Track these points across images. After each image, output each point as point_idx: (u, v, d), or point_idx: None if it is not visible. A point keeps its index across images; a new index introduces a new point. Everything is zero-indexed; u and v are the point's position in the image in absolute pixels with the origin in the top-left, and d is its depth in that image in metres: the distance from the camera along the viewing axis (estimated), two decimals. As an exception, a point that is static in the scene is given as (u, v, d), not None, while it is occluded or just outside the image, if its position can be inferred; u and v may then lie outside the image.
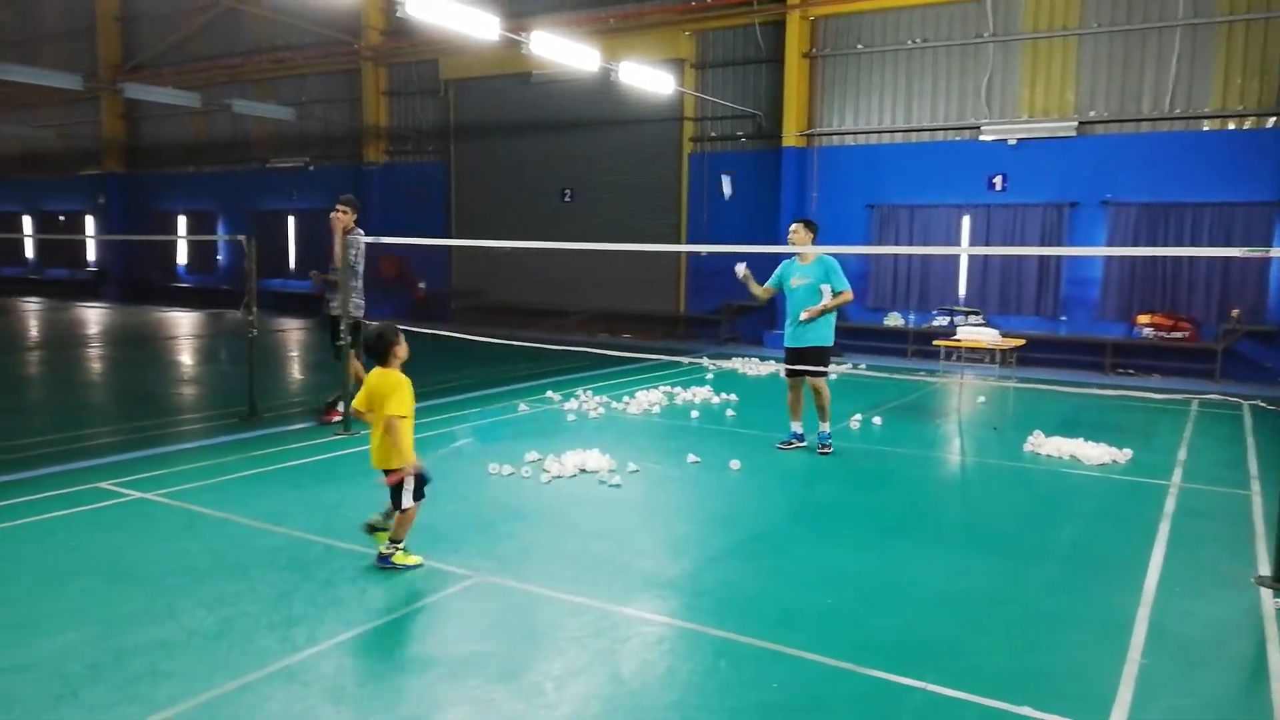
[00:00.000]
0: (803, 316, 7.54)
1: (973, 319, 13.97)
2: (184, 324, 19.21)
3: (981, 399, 11.00)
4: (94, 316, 20.78)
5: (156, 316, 20.76)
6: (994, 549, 5.35)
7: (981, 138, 14.70)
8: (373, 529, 4.81)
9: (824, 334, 7.66)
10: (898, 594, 4.59)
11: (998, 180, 14.68)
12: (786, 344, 7.78)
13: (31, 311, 22.17)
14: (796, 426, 7.92)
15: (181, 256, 25.74)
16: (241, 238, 8.91)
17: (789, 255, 7.81)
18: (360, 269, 8.41)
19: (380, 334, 4.82)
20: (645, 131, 18.10)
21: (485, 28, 11.22)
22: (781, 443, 7.93)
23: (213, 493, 6.11)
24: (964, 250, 15.59)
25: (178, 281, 25.51)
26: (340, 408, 8.30)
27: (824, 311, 7.53)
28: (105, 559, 4.82)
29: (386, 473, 4.68)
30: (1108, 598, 4.58)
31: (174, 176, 25.55)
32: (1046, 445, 7.96)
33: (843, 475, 7.17)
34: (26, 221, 29.08)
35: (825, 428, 7.75)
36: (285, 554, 4.95)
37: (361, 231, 8.44)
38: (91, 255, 27.69)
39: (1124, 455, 7.65)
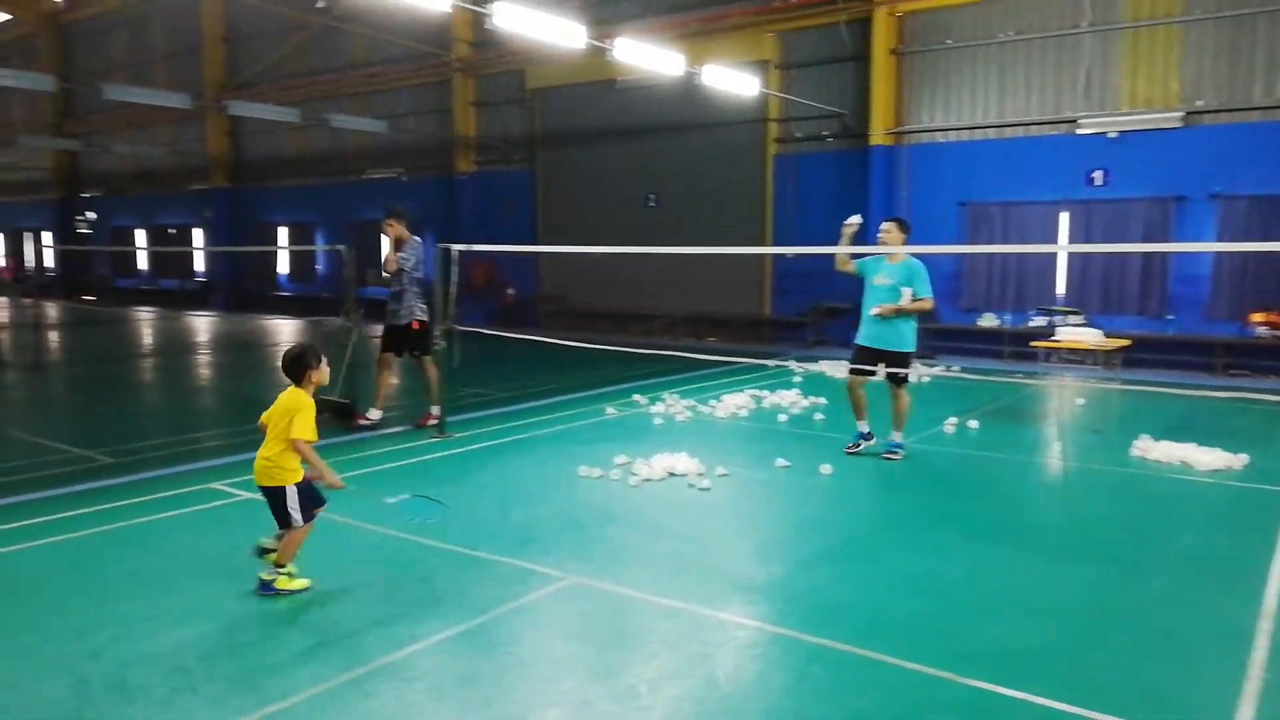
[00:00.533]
0: (874, 311, 7.34)
1: (1073, 319, 13.48)
2: (286, 331, 19.96)
3: (1081, 401, 10.61)
4: (202, 324, 21.78)
5: (260, 324, 21.63)
6: (1101, 558, 5.15)
7: (1079, 131, 14.19)
8: (264, 551, 4.56)
9: (907, 338, 7.42)
10: (998, 602, 4.46)
11: (1097, 175, 14.15)
12: (862, 341, 7.50)
13: (145, 320, 23.36)
14: (863, 426, 7.70)
15: (283, 266, 26.77)
16: (340, 248, 9.23)
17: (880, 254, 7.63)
18: (419, 275, 8.72)
19: (300, 354, 4.64)
20: (729, 134, 18.05)
21: (571, 36, 11.37)
22: (849, 446, 7.71)
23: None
24: (1062, 248, 15.09)
25: (279, 290, 26.54)
26: (434, 411, 8.53)
27: (897, 312, 7.29)
28: (218, 557, 5.04)
29: (267, 490, 4.50)
30: (1225, 610, 4.37)
31: (275, 189, 26.60)
32: (1155, 450, 7.62)
33: (938, 480, 7.01)
34: (140, 235, 30.70)
35: (898, 436, 7.53)
36: (385, 552, 5.10)
37: (418, 240, 8.75)
38: (200, 266, 29.05)
39: (1239, 461, 7.27)
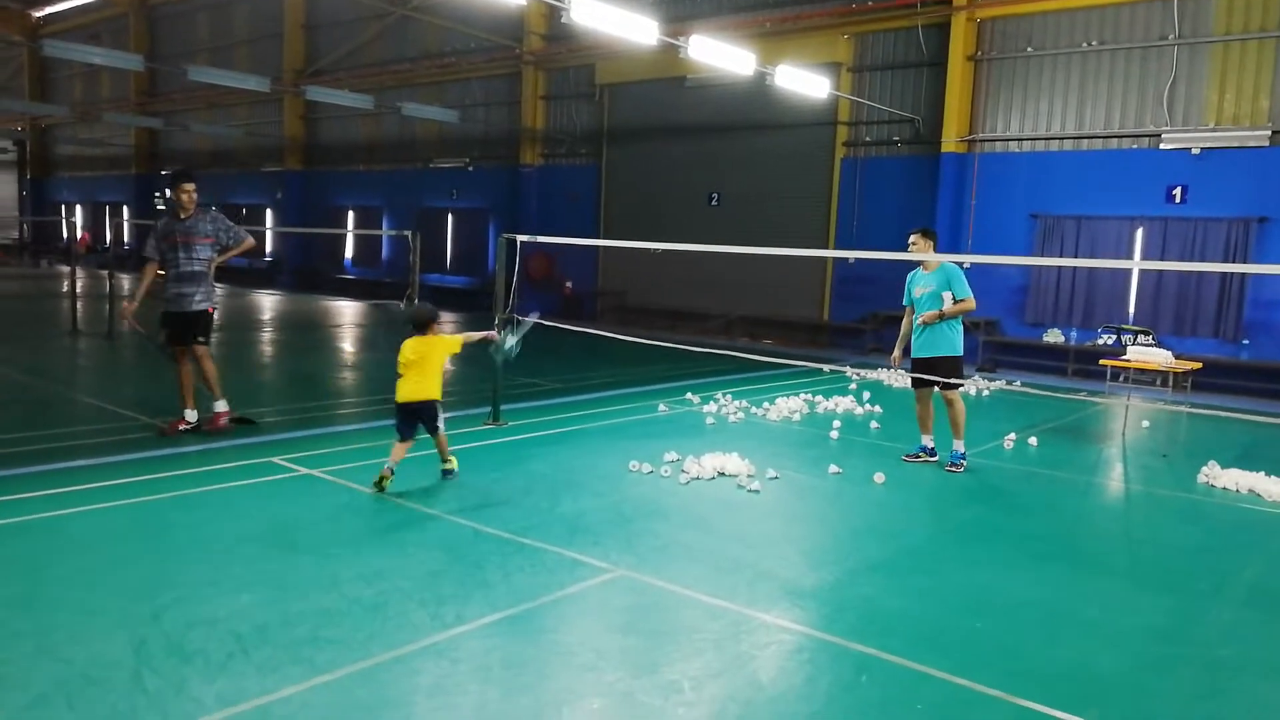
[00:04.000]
0: (919, 320, 7.38)
1: (1142, 339, 13.10)
2: (349, 313, 20.33)
3: (1146, 424, 10.30)
4: (269, 303, 22.30)
5: (325, 305, 22.08)
6: (1164, 584, 5.00)
7: (1161, 146, 13.77)
8: (382, 479, 5.92)
9: (953, 342, 7.43)
10: (1055, 623, 4.35)
11: (1177, 192, 13.71)
12: (915, 354, 7.58)
13: (216, 298, 23.96)
14: (927, 440, 7.68)
15: (349, 250, 27.28)
16: (407, 233, 9.36)
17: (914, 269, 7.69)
18: (215, 253, 7.74)
19: (427, 312, 6.32)
20: (797, 135, 17.90)
21: (645, 32, 11.37)
22: (908, 455, 7.71)
23: (372, 473, 6.42)
24: (1135, 264, 14.67)
25: (344, 273, 27.05)
26: (222, 408, 7.60)
27: (941, 317, 7.31)
28: (276, 528, 5.16)
29: (422, 405, 6.14)
30: (1293, 646, 4.21)
31: (344, 174, 27.11)
32: (1223, 478, 7.37)
33: (994, 495, 6.87)
34: (214, 213, 31.52)
35: (959, 445, 7.45)
36: (437, 534, 5.17)
37: (214, 209, 7.68)
38: (269, 246, 29.75)
39: (1314, 493, 6.99)
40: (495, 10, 20.26)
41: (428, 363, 6.15)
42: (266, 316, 19.32)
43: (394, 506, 5.67)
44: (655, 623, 4.14)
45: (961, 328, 7.53)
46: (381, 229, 25.86)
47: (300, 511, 5.51)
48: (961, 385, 7.56)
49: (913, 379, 7.68)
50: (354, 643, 3.73)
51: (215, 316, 8.01)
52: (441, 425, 6.28)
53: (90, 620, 3.86)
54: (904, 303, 7.75)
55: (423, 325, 6.23)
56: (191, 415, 7.54)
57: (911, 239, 7.57)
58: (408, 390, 6.14)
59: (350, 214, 27.09)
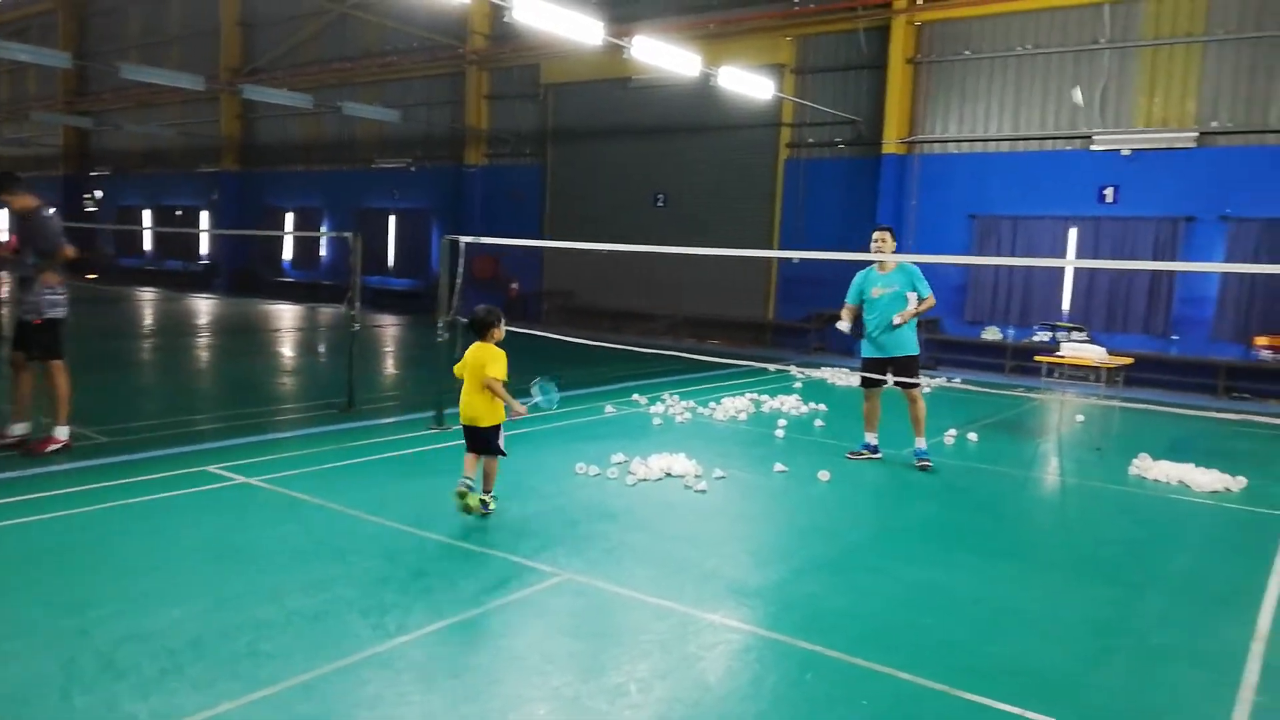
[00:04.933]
0: (896, 320, 7.38)
1: (1076, 335, 13.45)
2: (287, 317, 19.95)
3: (1081, 418, 10.58)
4: (204, 307, 21.78)
5: (262, 309, 21.63)
6: (1098, 576, 5.13)
7: (1093, 148, 14.17)
8: (463, 495, 5.43)
9: (913, 341, 7.55)
10: (996, 617, 4.43)
11: (1109, 192, 14.12)
12: (869, 353, 7.62)
13: (147, 301, 23.37)
14: (871, 438, 7.77)
15: (288, 252, 26.76)
16: (348, 235, 9.20)
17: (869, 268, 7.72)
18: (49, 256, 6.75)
19: (486, 315, 5.67)
20: (741, 137, 18.03)
21: (589, 32, 11.35)
22: (852, 452, 7.80)
23: (312, 480, 6.32)
24: (1069, 263, 15.04)
25: (283, 276, 26.53)
26: (61, 435, 6.75)
27: (915, 315, 7.40)
28: (211, 539, 5.02)
29: (480, 430, 5.54)
30: (1220, 632, 4.34)
31: (283, 175, 26.60)
32: (1154, 470, 7.60)
33: (936, 492, 6.98)
34: (147, 215, 30.70)
35: (922, 442, 7.57)
36: (379, 542, 5.08)
37: (51, 212, 6.83)
38: (204, 248, 29.05)
39: (1238, 483, 7.24)
40: (438, 9, 20.06)
41: (477, 376, 5.56)
42: (201, 321, 18.86)
43: (334, 514, 5.56)
44: (602, 626, 4.12)
45: (916, 327, 7.60)
46: (321, 230, 25.42)
47: (236, 521, 5.37)
48: (921, 384, 7.65)
49: (863, 378, 7.73)
50: (294, 655, 3.64)
51: (58, 329, 6.85)
52: (501, 447, 5.66)
53: (15, 638, 3.71)
54: (847, 300, 7.72)
55: (481, 328, 5.67)
56: (20, 428, 6.80)
57: (880, 236, 7.53)
58: (463, 404, 5.62)
59: (289, 215, 26.58)
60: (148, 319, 19.25)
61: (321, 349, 14.92)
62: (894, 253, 7.65)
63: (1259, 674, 3.86)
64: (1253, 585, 4.99)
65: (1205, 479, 7.27)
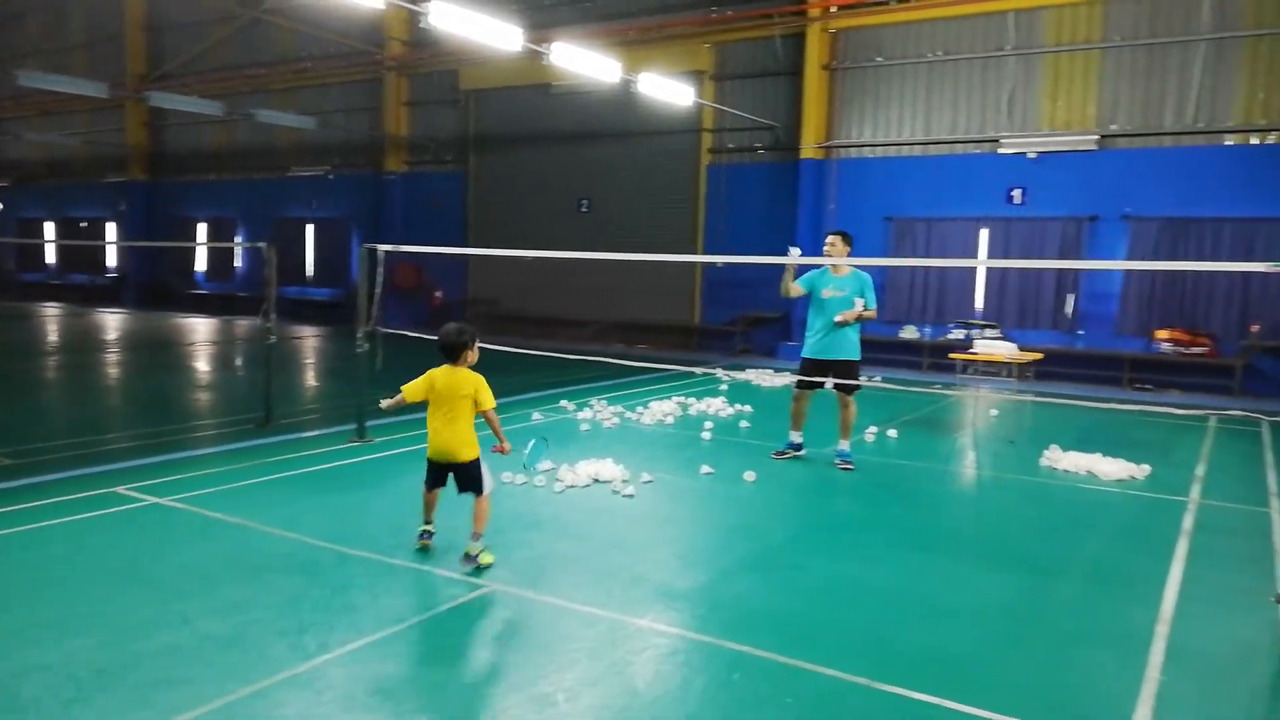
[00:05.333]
0: (838, 319, 7.43)
1: (989, 332, 13.87)
2: (201, 330, 19.35)
3: (995, 412, 10.92)
4: (113, 322, 20.97)
5: (174, 322, 20.93)
6: (1012, 565, 5.29)
7: (1001, 150, 14.66)
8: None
9: (856, 346, 7.60)
10: (915, 609, 4.53)
11: (1016, 193, 14.62)
12: (810, 354, 7.63)
13: (51, 316, 22.40)
14: (796, 436, 7.86)
15: (200, 263, 25.97)
16: (262, 245, 8.97)
17: (812, 268, 7.77)
18: None
19: (459, 334, 4.98)
20: (663, 143, 18.15)
21: (508, 39, 11.29)
22: (776, 452, 7.89)
23: (227, 498, 6.13)
24: (981, 263, 15.51)
25: (196, 288, 25.74)
26: None
27: (857, 319, 7.46)
28: (119, 563, 4.83)
29: (461, 465, 4.89)
30: (1127, 615, 4.52)
31: (195, 184, 25.82)
32: (1063, 460, 7.88)
33: (858, 489, 7.12)
34: (49, 228, 29.43)
35: (846, 445, 7.68)
36: (298, 560, 4.95)
37: None
38: (112, 261, 27.98)
39: (1142, 471, 7.57)
40: (353, 14, 19.73)
41: (455, 405, 4.87)
42: (110, 336, 18.16)
43: (251, 532, 5.40)
44: (529, 636, 4.09)
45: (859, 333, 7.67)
46: (236, 241, 24.73)
47: (145, 543, 5.18)
48: (860, 388, 7.73)
49: (799, 381, 7.76)
50: (207, 680, 3.52)
51: None
52: (486, 488, 4.94)
53: (-97, 677, 3.51)
54: (798, 282, 7.60)
55: (451, 351, 4.92)
56: None
57: (830, 240, 7.53)
58: (436, 441, 4.91)
59: (202, 226, 25.79)
60: (52, 335, 18.45)
61: (238, 362, 14.51)
62: (849, 257, 7.59)
63: (1163, 654, 4.03)
64: (1157, 569, 5.21)
65: (1111, 468, 7.57)
